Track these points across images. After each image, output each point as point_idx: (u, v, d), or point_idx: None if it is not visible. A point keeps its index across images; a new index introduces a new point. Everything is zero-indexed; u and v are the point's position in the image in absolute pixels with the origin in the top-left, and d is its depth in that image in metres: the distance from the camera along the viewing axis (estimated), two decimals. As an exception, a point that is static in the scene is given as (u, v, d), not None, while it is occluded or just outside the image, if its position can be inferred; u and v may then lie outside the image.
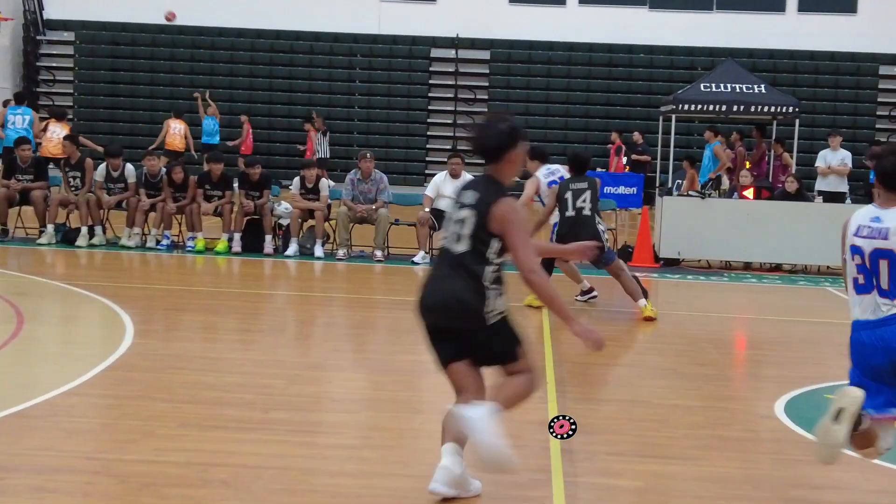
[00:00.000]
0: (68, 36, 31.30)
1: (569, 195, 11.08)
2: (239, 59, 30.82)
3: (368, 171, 15.04)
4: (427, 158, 30.17)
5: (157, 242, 14.96)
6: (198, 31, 30.99)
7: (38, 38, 31.21)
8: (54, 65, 31.39)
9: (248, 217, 15.02)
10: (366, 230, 15.07)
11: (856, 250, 5.19)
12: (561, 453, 6.06)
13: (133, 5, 30.83)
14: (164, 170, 15.32)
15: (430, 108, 30.68)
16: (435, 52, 30.90)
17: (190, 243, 14.90)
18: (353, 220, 14.87)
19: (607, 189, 17.55)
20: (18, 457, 5.67)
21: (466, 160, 14.91)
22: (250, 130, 27.82)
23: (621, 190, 17.90)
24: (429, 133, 30.50)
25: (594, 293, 11.91)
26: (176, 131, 25.10)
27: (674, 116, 18.50)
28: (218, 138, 26.10)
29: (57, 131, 21.44)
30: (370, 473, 5.70)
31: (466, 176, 15.08)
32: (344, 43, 30.89)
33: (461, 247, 5.20)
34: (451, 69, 30.83)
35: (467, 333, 5.23)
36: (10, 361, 8.06)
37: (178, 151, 24.47)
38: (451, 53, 30.83)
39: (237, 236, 14.87)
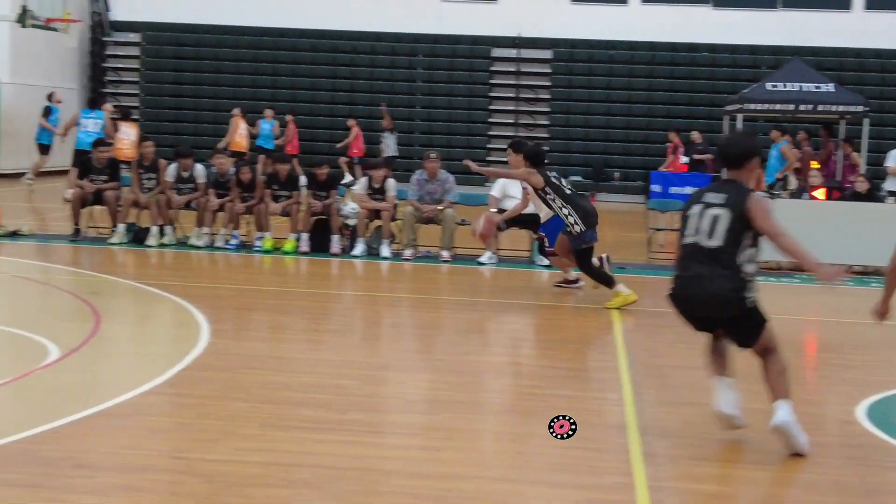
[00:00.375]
0: (134, 37, 31.71)
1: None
2: (301, 60, 31.02)
3: (434, 172, 15.07)
4: (488, 158, 30.11)
5: (226, 242, 15.07)
6: (261, 31, 31.22)
7: (105, 39, 31.66)
8: (120, 66, 31.83)
9: (316, 217, 15.10)
10: (432, 230, 15.08)
11: None
12: (643, 457, 6.02)
13: (197, 6, 31.17)
14: (232, 170, 15.45)
15: (491, 107, 30.66)
16: (496, 52, 30.87)
17: (258, 243, 15.00)
18: (420, 220, 14.90)
19: (673, 189, 17.42)
20: (106, 455, 5.75)
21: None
22: (296, 130, 28.06)
23: (688, 190, 17.71)
24: (490, 133, 30.49)
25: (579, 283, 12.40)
26: (244, 131, 25.44)
27: (740, 116, 18.33)
28: (273, 142, 26.33)
29: (128, 132, 21.85)
30: (450, 475, 5.70)
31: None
32: (405, 43, 30.97)
33: (716, 241, 6.12)
34: (513, 69, 30.79)
35: (729, 320, 6.22)
36: (91, 360, 8.17)
37: (242, 151, 24.74)
38: (512, 53, 30.79)
39: (305, 236, 14.95)
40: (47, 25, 23.42)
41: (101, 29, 31.53)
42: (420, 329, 10.61)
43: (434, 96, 30.69)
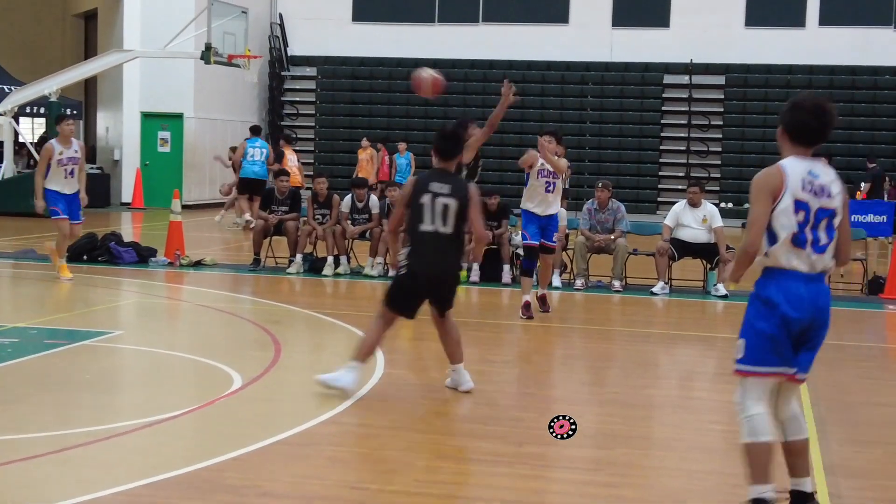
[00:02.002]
0: (310, 71, 32.64)
1: None
2: (472, 90, 31.31)
3: (605, 201, 14.97)
4: (659, 186, 29.78)
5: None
6: (431, 63, 31.48)
7: (283, 73, 32.66)
8: (297, 99, 32.78)
9: (486, 247, 15.16)
10: (603, 260, 14.96)
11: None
12: (829, 499, 5.80)
13: (371, 40, 31.87)
14: (404, 201, 15.66)
15: (662, 135, 30.31)
16: (668, 79, 30.55)
17: (430, 273, 15.13)
18: (591, 249, 14.81)
19: (855, 217, 16.80)
20: (288, 484, 5.87)
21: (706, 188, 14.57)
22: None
23: (870, 218, 17.12)
24: (661, 161, 30.13)
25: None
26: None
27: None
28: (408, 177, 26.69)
29: (293, 159, 22.55)
30: (629, 513, 5.61)
31: (707, 205, 14.78)
32: (576, 72, 30.93)
33: None
34: (685, 95, 30.38)
35: None
36: (272, 389, 8.37)
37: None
38: (684, 79, 30.40)
39: (476, 266, 15.03)
40: (230, 62, 24.30)
41: (280, 63, 32.56)
42: (594, 361, 10.49)
43: (604, 124, 30.52)
